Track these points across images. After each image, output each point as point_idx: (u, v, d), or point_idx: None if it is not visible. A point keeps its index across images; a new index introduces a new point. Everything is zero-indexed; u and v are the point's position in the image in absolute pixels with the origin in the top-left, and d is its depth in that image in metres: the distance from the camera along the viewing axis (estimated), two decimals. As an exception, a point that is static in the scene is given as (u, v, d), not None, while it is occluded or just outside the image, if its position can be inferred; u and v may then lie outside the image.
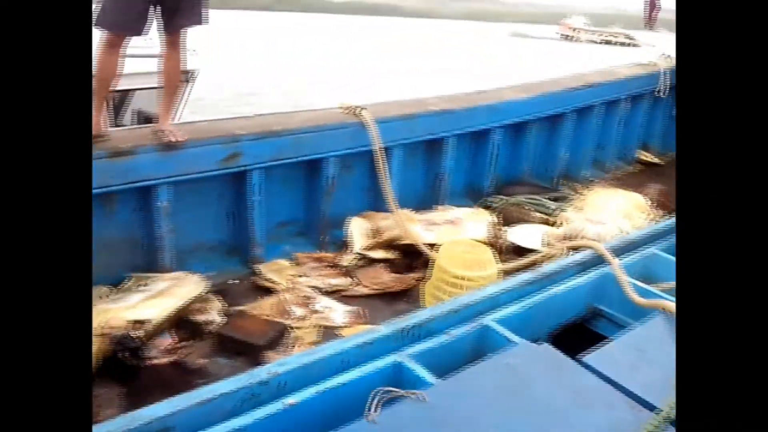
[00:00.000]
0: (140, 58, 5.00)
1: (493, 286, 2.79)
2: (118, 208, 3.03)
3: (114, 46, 2.80)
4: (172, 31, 2.93)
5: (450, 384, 1.95)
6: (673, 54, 5.89)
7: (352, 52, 30.53)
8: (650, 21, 5.48)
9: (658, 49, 6.08)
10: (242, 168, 3.26)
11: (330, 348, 1.91)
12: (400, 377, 2.06)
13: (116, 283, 3.02)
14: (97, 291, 2.93)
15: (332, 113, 3.79)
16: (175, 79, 3.17)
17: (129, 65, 4.82)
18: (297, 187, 3.74)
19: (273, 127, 3.37)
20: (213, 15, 3.02)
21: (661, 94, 5.65)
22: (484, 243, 3.55)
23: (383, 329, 2.22)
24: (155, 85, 5.01)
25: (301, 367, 1.82)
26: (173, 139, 2.97)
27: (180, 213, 3.20)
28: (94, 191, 2.80)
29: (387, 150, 3.84)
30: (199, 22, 2.95)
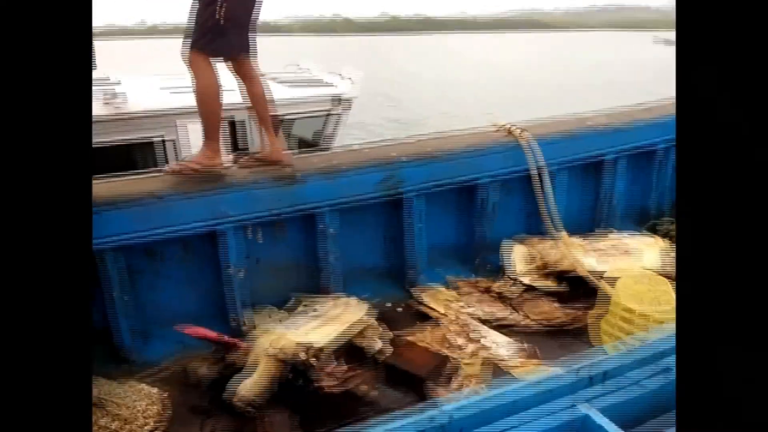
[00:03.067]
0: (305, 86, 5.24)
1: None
2: (287, 231, 3.13)
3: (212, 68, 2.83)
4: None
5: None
6: None
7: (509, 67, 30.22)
8: None
9: None
10: (400, 192, 3.24)
11: (510, 392, 1.78)
12: (585, 430, 1.89)
13: (282, 303, 3.13)
14: (267, 311, 3.04)
15: (486, 136, 3.68)
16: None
17: (290, 93, 5.10)
18: (453, 210, 3.66)
19: (429, 150, 3.33)
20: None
21: None
22: (664, 274, 3.22)
23: (562, 373, 2.05)
24: (313, 111, 5.24)
25: (480, 412, 1.71)
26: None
27: (342, 237, 3.24)
28: (265, 216, 2.92)
29: (545, 170, 3.65)
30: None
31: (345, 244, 3.28)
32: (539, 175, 3.49)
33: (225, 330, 2.92)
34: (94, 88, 4.57)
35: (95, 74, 4.95)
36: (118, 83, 5.14)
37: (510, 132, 3.57)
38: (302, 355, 2.47)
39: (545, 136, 3.65)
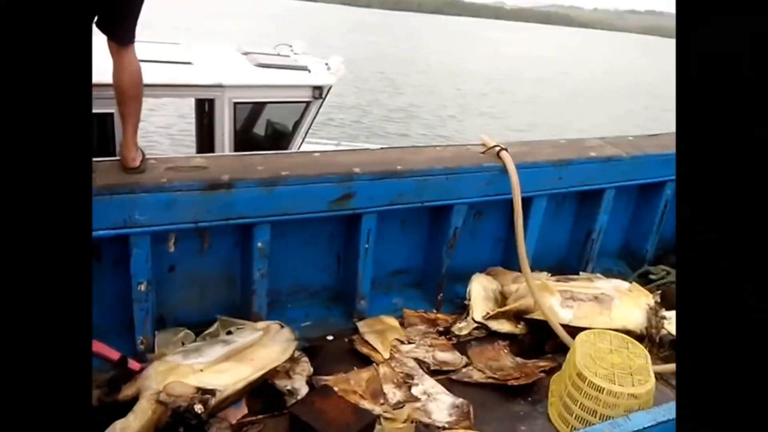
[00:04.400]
0: (281, 69, 4.83)
1: (643, 415, 2.11)
2: (213, 243, 2.75)
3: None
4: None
5: None
6: None
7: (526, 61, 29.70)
8: None
9: None
10: (354, 211, 2.84)
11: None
12: None
13: (206, 321, 2.77)
14: (177, 334, 2.68)
15: (465, 152, 3.26)
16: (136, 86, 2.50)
17: (262, 76, 4.71)
18: (417, 232, 3.26)
19: (395, 165, 2.91)
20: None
21: None
22: (639, 334, 2.84)
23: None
24: (287, 99, 4.83)
25: None
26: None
27: (282, 252, 2.86)
28: (187, 225, 2.54)
29: (529, 200, 3.24)
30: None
31: (284, 261, 2.90)
32: (520, 204, 3.06)
33: (132, 351, 2.56)
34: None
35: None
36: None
37: (499, 156, 3.13)
38: (194, 403, 2.11)
39: (534, 163, 3.23)
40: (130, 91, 2.42)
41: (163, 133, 9.52)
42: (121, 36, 2.34)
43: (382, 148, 3.24)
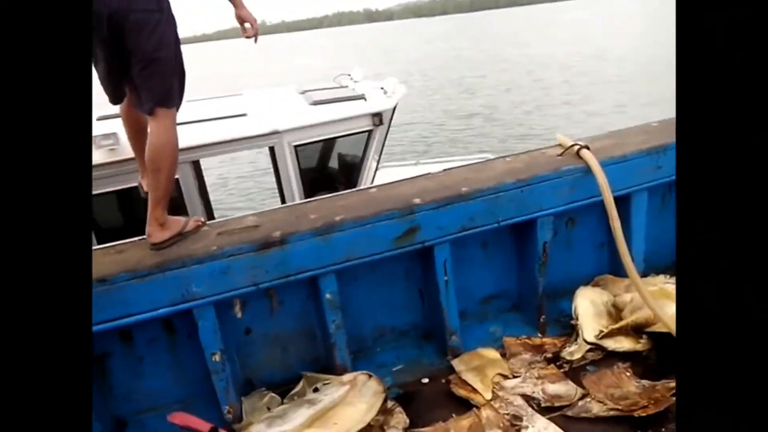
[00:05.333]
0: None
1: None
2: (282, 301, 2.61)
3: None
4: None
5: None
6: None
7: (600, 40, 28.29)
8: None
9: None
10: (423, 244, 2.60)
11: None
12: None
13: (292, 378, 2.62)
14: (263, 398, 2.54)
15: (540, 158, 2.92)
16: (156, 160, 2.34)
17: (318, 114, 4.59)
18: (501, 254, 2.95)
19: (460, 188, 2.63)
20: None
21: None
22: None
23: None
24: (348, 132, 4.67)
25: None
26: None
27: (357, 297, 2.68)
28: (248, 288, 2.41)
29: (626, 197, 2.85)
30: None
31: (362, 306, 2.72)
32: (613, 204, 2.69)
33: (220, 421, 2.46)
34: None
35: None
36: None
37: (578, 154, 2.79)
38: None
39: (621, 157, 2.84)
40: (150, 163, 2.32)
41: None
42: (141, 105, 2.28)
43: (444, 170, 2.97)
